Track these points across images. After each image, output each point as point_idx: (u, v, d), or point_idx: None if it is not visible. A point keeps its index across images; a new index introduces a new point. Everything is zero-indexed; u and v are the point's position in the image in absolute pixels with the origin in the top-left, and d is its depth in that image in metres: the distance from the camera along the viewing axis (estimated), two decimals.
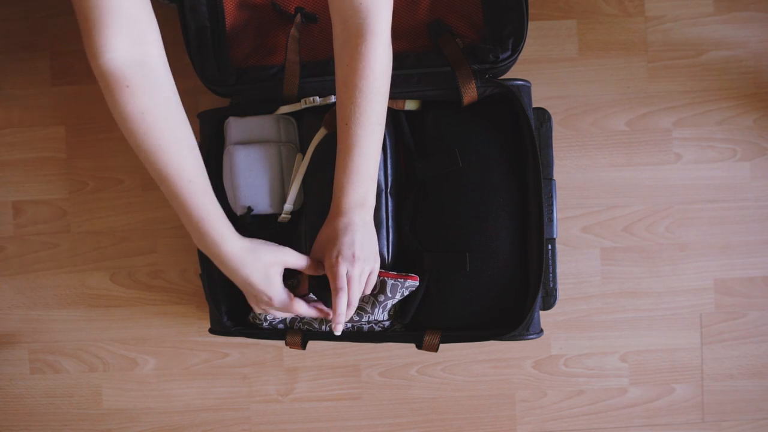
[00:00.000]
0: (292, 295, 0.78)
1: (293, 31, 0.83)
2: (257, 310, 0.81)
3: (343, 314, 0.74)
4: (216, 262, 0.75)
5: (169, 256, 1.02)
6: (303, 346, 0.86)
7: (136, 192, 1.02)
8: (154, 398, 1.04)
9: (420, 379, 1.03)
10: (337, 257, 0.74)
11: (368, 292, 0.80)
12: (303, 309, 0.79)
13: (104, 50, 0.63)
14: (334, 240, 0.75)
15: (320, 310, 0.81)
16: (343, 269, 0.74)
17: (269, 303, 0.77)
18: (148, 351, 1.03)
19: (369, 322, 0.85)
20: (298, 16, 0.84)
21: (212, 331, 0.91)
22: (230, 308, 0.90)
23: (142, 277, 1.03)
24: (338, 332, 0.76)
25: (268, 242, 0.76)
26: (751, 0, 0.99)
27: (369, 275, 0.78)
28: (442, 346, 0.84)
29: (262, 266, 0.75)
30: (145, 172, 1.01)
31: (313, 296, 0.81)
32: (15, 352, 1.04)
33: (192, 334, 1.03)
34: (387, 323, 0.86)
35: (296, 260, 0.77)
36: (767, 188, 1.01)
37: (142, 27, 0.65)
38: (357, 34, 0.71)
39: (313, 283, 0.81)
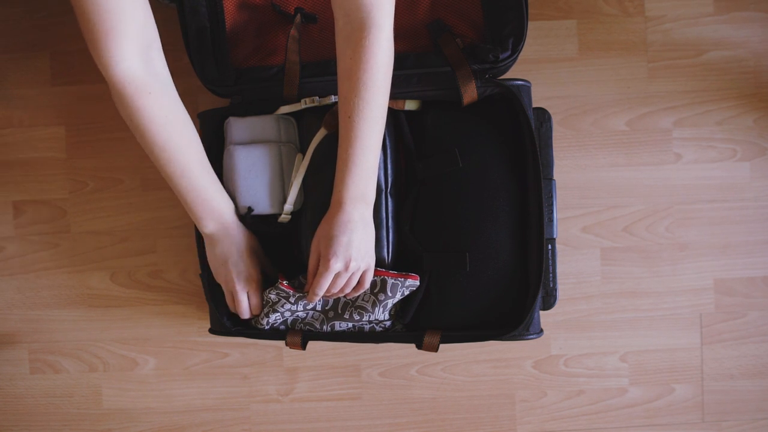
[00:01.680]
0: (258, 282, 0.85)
1: (293, 31, 0.83)
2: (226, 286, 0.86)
3: (319, 294, 0.79)
4: (222, 234, 0.82)
5: (169, 256, 1.02)
6: (303, 347, 0.86)
7: (136, 192, 1.02)
8: (154, 398, 1.04)
9: (420, 379, 1.03)
10: (332, 257, 0.76)
11: (362, 290, 0.81)
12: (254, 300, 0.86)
13: (121, 58, 0.65)
14: (331, 238, 0.76)
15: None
16: (335, 269, 0.76)
17: (248, 288, 0.84)
18: (148, 351, 1.03)
19: (369, 322, 0.85)
20: (298, 16, 0.84)
21: (212, 331, 0.91)
22: None
23: (142, 277, 1.03)
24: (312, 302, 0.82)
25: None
26: (751, 0, 0.99)
27: (364, 273, 0.79)
28: (442, 346, 0.84)
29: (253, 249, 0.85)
30: (145, 172, 1.01)
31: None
32: (15, 352, 1.04)
33: (192, 334, 1.03)
34: (387, 323, 0.86)
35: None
36: (767, 188, 1.01)
37: (149, 32, 0.68)
38: (360, 28, 0.71)
39: None
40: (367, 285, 0.81)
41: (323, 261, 0.77)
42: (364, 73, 0.72)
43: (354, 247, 0.76)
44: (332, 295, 0.82)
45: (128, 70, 0.67)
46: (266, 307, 0.86)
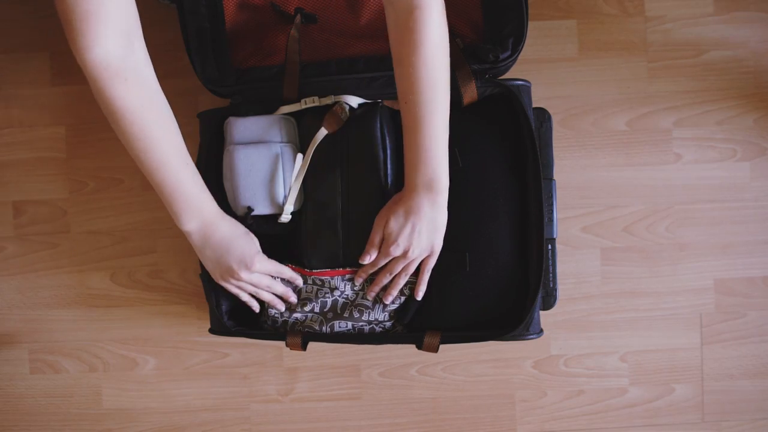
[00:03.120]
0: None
1: (293, 31, 0.83)
2: (226, 284, 0.84)
3: (368, 273, 0.83)
4: (211, 230, 0.79)
5: (169, 256, 1.02)
6: (303, 347, 0.86)
7: (136, 192, 1.02)
8: (154, 398, 1.04)
9: (420, 379, 1.03)
10: (392, 244, 0.78)
11: (423, 279, 0.82)
12: (288, 271, 0.84)
13: (97, 43, 0.63)
14: (396, 223, 0.78)
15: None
16: (393, 254, 0.79)
17: (251, 262, 0.80)
18: (148, 351, 1.03)
19: (369, 322, 0.85)
20: (298, 16, 0.84)
21: (212, 331, 0.91)
22: (230, 308, 0.90)
23: (142, 277, 1.03)
24: (369, 297, 0.84)
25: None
26: (751, 0, 0.99)
27: (427, 260, 0.81)
28: (442, 346, 0.84)
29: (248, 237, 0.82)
30: None
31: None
32: (15, 352, 1.04)
33: (192, 334, 1.03)
34: (387, 324, 0.86)
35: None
36: (767, 188, 1.01)
37: (130, 20, 0.66)
38: (406, 11, 0.70)
39: None
40: (426, 274, 0.82)
41: (384, 246, 0.79)
42: (412, 55, 0.71)
43: (416, 236, 0.77)
44: (381, 280, 0.83)
45: (104, 56, 0.64)
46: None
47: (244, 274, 0.81)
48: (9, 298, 1.03)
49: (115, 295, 1.03)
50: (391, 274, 0.82)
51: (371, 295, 0.84)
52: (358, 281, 0.84)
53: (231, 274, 0.81)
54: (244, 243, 0.81)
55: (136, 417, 1.04)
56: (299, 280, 0.85)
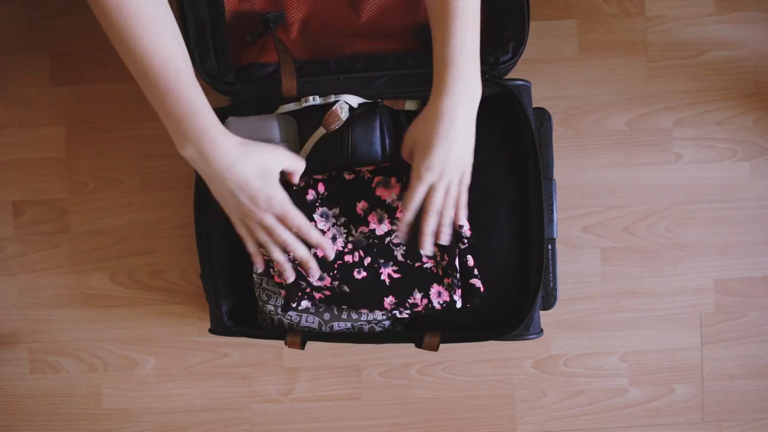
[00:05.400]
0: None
1: (274, 33, 0.83)
2: (241, 230, 0.74)
3: (412, 210, 0.71)
4: (204, 163, 0.67)
5: (169, 256, 1.02)
6: (302, 347, 0.86)
7: (136, 192, 1.02)
8: (154, 398, 1.04)
9: (420, 379, 1.03)
10: (425, 170, 0.70)
11: (462, 201, 0.74)
12: (302, 219, 0.72)
13: None
14: (427, 147, 0.69)
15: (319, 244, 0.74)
16: (429, 180, 0.70)
17: (268, 205, 0.70)
18: (148, 351, 1.03)
19: (369, 321, 0.85)
20: (272, 21, 0.83)
21: (212, 331, 0.91)
22: (230, 308, 0.90)
23: (142, 277, 1.03)
24: (427, 251, 0.74)
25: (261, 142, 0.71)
26: (751, 0, 0.99)
27: (461, 181, 0.73)
28: (442, 346, 0.84)
29: (260, 160, 0.69)
30: (145, 172, 1.01)
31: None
32: (15, 352, 1.04)
33: (192, 334, 1.03)
34: (387, 323, 0.86)
35: (292, 162, 0.72)
36: (767, 188, 1.01)
37: None
38: None
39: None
40: (465, 195, 0.74)
41: (414, 173, 0.71)
42: None
43: (452, 158, 0.69)
44: (429, 225, 0.73)
45: None
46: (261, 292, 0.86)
47: (262, 216, 0.71)
48: (9, 298, 1.03)
49: (115, 295, 1.03)
50: (437, 213, 0.72)
51: (428, 249, 0.73)
52: (402, 236, 0.74)
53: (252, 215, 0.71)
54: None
55: (136, 417, 1.04)
56: (330, 251, 0.75)
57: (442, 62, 0.68)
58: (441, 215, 0.74)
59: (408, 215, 0.74)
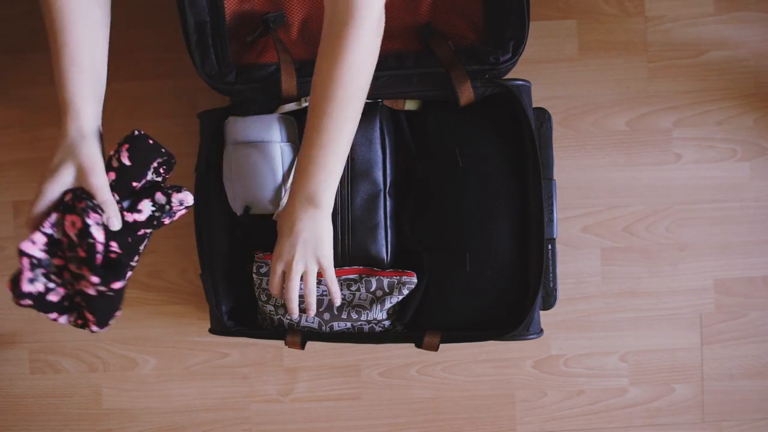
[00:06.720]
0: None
1: (274, 34, 0.83)
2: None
3: (290, 307, 0.77)
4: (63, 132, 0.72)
5: (169, 256, 1.02)
6: (302, 347, 0.86)
7: None
8: (154, 398, 1.04)
9: (420, 379, 1.03)
10: (275, 258, 0.76)
11: (310, 295, 0.77)
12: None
13: None
14: (279, 237, 0.76)
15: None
16: (279, 269, 0.76)
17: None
18: (148, 351, 1.03)
19: (369, 321, 0.85)
20: (272, 21, 0.84)
21: (212, 331, 0.91)
22: (230, 308, 0.90)
23: (142, 277, 1.03)
24: (293, 317, 0.79)
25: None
26: (751, 0, 0.99)
27: (322, 273, 0.77)
28: (442, 346, 0.84)
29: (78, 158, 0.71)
30: None
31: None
32: (15, 352, 1.04)
33: (192, 334, 1.03)
34: (386, 323, 0.86)
35: (96, 179, 0.70)
36: (767, 188, 1.01)
37: None
38: (340, 23, 0.67)
39: None
40: (331, 284, 0.77)
41: (272, 261, 0.77)
42: (335, 69, 0.68)
43: (298, 250, 0.74)
44: (288, 296, 0.76)
45: None
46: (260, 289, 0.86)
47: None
48: (9, 298, 1.03)
49: None
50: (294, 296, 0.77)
51: (294, 312, 0.78)
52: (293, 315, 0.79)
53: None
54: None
55: (136, 417, 1.04)
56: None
57: (297, 173, 0.74)
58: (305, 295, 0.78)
59: (274, 293, 0.79)
